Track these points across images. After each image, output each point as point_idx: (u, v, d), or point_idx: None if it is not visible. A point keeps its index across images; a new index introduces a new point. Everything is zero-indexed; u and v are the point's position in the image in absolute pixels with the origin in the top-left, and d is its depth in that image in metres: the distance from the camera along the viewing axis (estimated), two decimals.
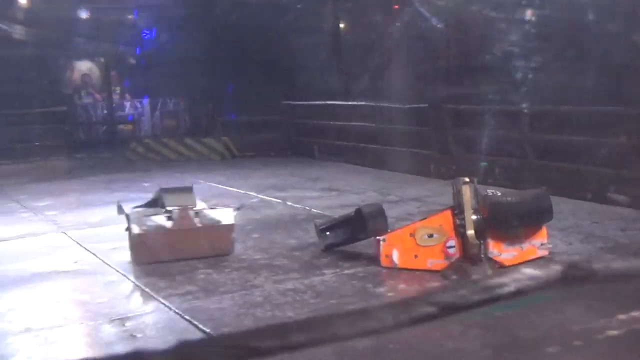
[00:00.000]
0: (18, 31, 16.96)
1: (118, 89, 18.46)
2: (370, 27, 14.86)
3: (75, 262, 7.32)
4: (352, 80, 14.58)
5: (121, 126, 18.69)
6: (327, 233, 7.10)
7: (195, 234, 7.01)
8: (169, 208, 6.97)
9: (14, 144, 17.13)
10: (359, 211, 6.70)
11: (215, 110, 18.34)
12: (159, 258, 6.84)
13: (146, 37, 18.14)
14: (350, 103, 14.24)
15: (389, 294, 5.94)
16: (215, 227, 7.12)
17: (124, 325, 5.39)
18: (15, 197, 11.61)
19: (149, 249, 6.83)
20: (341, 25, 16.19)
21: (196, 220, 7.04)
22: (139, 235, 6.85)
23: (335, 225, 7.14)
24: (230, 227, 7.20)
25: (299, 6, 15.82)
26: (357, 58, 14.55)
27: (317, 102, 15.18)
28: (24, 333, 5.35)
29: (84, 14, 17.07)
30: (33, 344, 5.15)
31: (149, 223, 6.86)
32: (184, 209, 7.02)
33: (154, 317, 5.56)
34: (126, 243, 7.77)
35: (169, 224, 6.90)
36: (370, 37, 14.66)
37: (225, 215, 7.19)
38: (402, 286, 6.14)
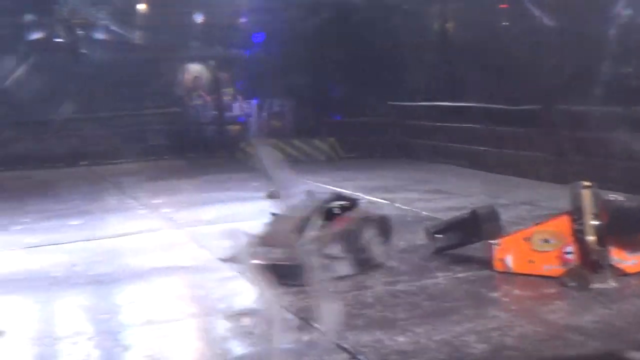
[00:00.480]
0: (136, 36, 17.66)
1: (229, 90, 18.90)
2: (479, 27, 14.59)
3: (191, 258, 7.56)
4: (461, 80, 14.37)
5: (230, 127, 19.12)
6: (439, 236, 7.03)
7: None
8: None
9: (130, 143, 17.84)
10: (474, 213, 6.60)
11: (321, 111, 18.48)
12: None
13: (255, 39, 18.49)
14: (458, 104, 14.03)
15: (504, 299, 5.83)
16: None
17: (239, 321, 5.52)
18: (133, 194, 12.11)
19: None
20: (449, 25, 15.98)
21: None
22: None
23: (447, 228, 7.06)
24: None
25: (405, 7, 15.71)
26: (466, 58, 14.31)
27: (424, 103, 15.05)
28: (145, 325, 5.57)
29: (198, 19, 17.58)
30: (153, 336, 5.36)
31: None
32: None
33: (269, 315, 5.64)
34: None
35: None
36: (479, 36, 14.39)
37: None
38: (516, 292, 6.00)
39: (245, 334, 5.26)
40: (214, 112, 18.99)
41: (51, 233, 9.24)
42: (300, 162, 15.67)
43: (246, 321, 5.53)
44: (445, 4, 15.50)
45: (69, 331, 5.52)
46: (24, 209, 11.07)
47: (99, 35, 17.35)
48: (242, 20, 18.14)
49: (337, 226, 6.69)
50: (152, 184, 13.47)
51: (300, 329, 5.27)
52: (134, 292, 6.49)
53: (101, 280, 6.87)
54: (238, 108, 18.98)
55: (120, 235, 8.82)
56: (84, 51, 17.28)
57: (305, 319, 5.42)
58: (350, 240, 6.57)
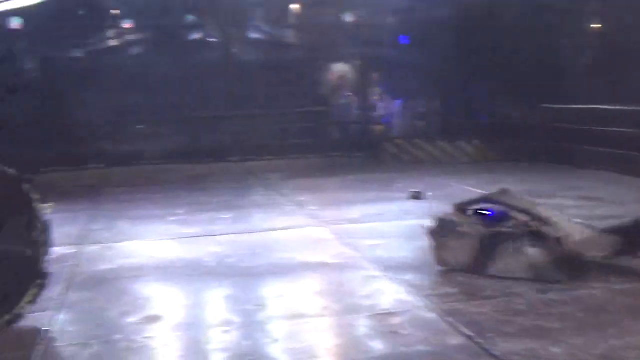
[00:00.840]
0: (288, 36, 18.11)
1: (376, 90, 18.96)
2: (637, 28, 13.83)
3: (338, 255, 7.64)
4: (620, 83, 13.63)
5: (374, 126, 19.17)
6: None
7: None
8: None
9: (276, 141, 18.33)
10: (637, 222, 6.25)
11: (467, 112, 18.16)
12: None
13: (402, 40, 18.44)
14: (617, 107, 13.34)
15: None
16: None
17: (387, 320, 5.52)
18: (280, 190, 12.41)
19: None
20: (603, 26, 15.26)
21: None
22: None
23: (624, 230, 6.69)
24: None
25: (559, 6, 15.13)
26: (625, 60, 13.58)
27: (578, 106, 14.41)
28: (292, 319, 5.69)
29: (347, 18, 17.77)
30: (300, 330, 5.46)
31: None
32: None
33: (414, 316, 5.62)
34: (382, 241, 8.01)
35: None
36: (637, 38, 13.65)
37: None
38: None
39: (391, 334, 5.25)
40: (358, 112, 19.10)
41: (204, 225, 9.65)
42: (444, 164, 15.48)
43: (392, 321, 5.52)
44: (604, 3, 14.79)
45: (220, 320, 5.74)
46: (178, 202, 11.61)
47: (252, 35, 17.94)
48: (390, 20, 18.11)
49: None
50: (298, 181, 13.75)
51: (447, 332, 5.21)
52: (282, 286, 6.65)
53: (251, 273, 7.08)
54: (382, 108, 18.99)
55: (268, 230, 9.07)
56: (235, 51, 17.94)
57: (453, 323, 5.34)
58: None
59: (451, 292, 6.13)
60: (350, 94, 19.16)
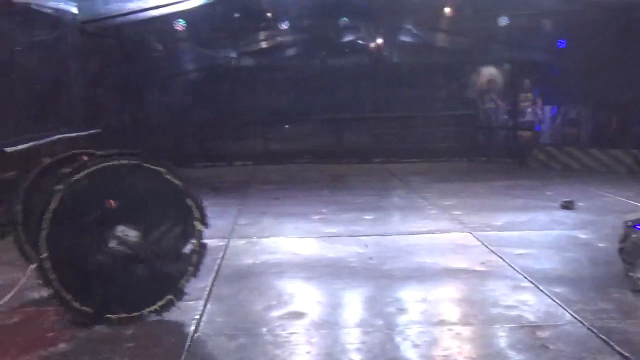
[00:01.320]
0: (438, 39, 17.95)
1: (525, 95, 18.39)
2: None
3: (483, 262, 7.44)
4: None
5: (520, 132, 18.61)
6: None
7: None
8: None
9: (420, 144, 18.19)
10: None
11: (625, 120, 17.20)
12: None
13: (560, 45, 17.75)
14: None
15: None
16: None
17: (534, 333, 5.31)
18: (423, 194, 12.27)
19: None
20: None
21: None
22: None
23: None
24: None
25: None
26: None
27: None
28: (438, 325, 5.59)
29: (503, 22, 17.32)
30: (443, 337, 5.35)
31: None
32: None
33: (566, 331, 5.37)
34: (530, 250, 7.74)
35: None
36: None
37: None
38: None
39: (540, 348, 5.04)
40: (506, 117, 18.61)
41: (348, 225, 9.71)
42: (597, 174, 14.73)
43: (539, 334, 5.30)
44: None
45: (360, 320, 5.74)
46: (322, 200, 11.76)
47: (403, 38, 17.91)
48: (545, 23, 17.48)
49: None
50: (441, 185, 13.55)
51: (600, 350, 4.94)
52: (424, 291, 6.54)
53: (394, 276, 7.04)
54: (531, 114, 18.39)
55: (412, 234, 8.98)
56: (385, 53, 17.99)
57: (607, 341, 5.06)
58: None
59: (606, 309, 5.80)
60: (498, 98, 18.71)
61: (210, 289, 6.59)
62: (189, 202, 5.81)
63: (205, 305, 6.12)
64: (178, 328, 5.63)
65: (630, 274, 6.38)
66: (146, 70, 17.08)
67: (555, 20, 17.43)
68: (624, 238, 6.57)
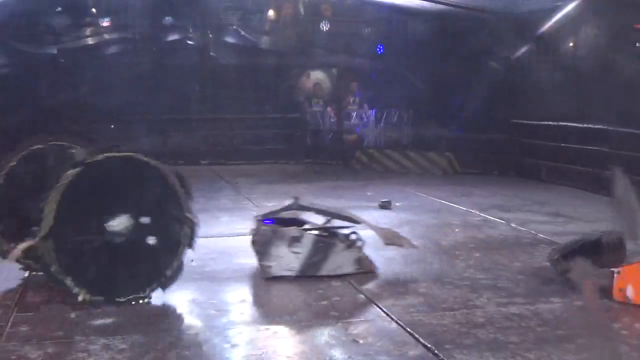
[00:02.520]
0: (263, 42, 18.11)
1: (349, 99, 19.00)
2: (609, 47, 14.04)
3: None
4: (587, 101, 13.79)
5: (346, 135, 19.22)
6: (564, 259, 6.76)
7: None
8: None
9: (248, 145, 18.30)
10: (600, 238, 6.34)
11: (441, 125, 18.27)
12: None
13: (378, 50, 18.51)
14: (584, 125, 13.53)
15: (623, 332, 5.53)
16: None
17: (346, 330, 5.52)
18: (249, 195, 12.36)
19: None
20: (575, 44, 15.45)
21: None
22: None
23: (573, 251, 6.78)
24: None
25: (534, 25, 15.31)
26: (594, 79, 13.75)
27: (547, 123, 14.58)
28: (251, 325, 5.68)
29: (324, 27, 17.78)
30: (260, 336, 5.44)
31: None
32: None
33: (376, 326, 5.62)
34: None
35: None
36: (610, 56, 13.84)
37: None
38: (637, 325, 5.69)
39: (352, 343, 5.24)
40: (332, 120, 19.13)
41: None
42: (415, 175, 15.54)
43: (353, 330, 5.51)
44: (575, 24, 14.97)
45: (181, 324, 5.70)
46: None
47: (229, 39, 17.90)
48: (366, 30, 18.18)
49: None
50: (268, 186, 13.71)
51: (407, 343, 5.22)
52: (244, 291, 6.61)
53: (214, 277, 7.05)
54: (356, 117, 19.04)
55: (235, 235, 9.00)
56: (212, 54, 17.89)
57: (413, 334, 5.36)
58: None
59: (414, 303, 6.14)
60: (325, 101, 19.19)
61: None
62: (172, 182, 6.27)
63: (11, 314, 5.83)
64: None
65: (261, 262, 6.96)
66: None
67: (376, 27, 18.16)
68: (256, 231, 7.17)
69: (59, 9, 17.14)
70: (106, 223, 6.02)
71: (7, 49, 16.51)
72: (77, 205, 5.96)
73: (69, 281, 5.93)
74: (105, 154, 6.11)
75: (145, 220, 6.15)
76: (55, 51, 16.99)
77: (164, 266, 6.21)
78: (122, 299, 6.05)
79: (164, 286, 6.20)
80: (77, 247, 5.97)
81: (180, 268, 6.28)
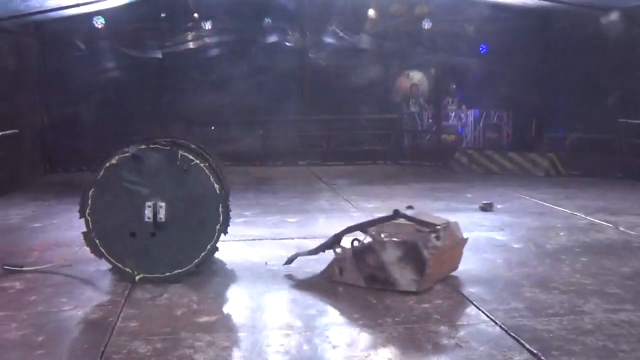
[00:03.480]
0: (363, 41, 18.12)
1: (452, 100, 18.80)
2: None
3: None
4: None
5: (444, 136, 19.02)
6: None
7: (452, 251, 6.87)
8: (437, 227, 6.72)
9: (345, 146, 18.38)
10: None
11: (542, 125, 17.81)
12: (432, 282, 6.60)
13: (482, 50, 18.20)
14: None
15: None
16: (460, 243, 7.07)
17: (448, 333, 5.45)
18: (347, 196, 12.41)
19: (431, 273, 6.46)
20: None
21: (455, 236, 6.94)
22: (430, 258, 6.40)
23: None
24: (465, 241, 7.15)
25: None
26: None
27: None
28: (353, 326, 5.67)
29: (425, 25, 17.62)
30: (363, 338, 5.44)
31: (431, 245, 6.44)
32: (448, 226, 6.87)
33: (480, 330, 5.53)
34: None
35: (439, 243, 6.55)
36: None
37: (459, 230, 7.14)
38: None
39: (454, 347, 5.18)
40: (430, 121, 18.96)
41: (270, 228, 9.73)
42: (516, 177, 15.20)
43: (454, 334, 5.44)
44: None
45: (281, 323, 5.77)
46: (246, 203, 11.72)
47: (327, 40, 18.01)
48: (470, 29, 17.90)
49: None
50: (365, 187, 13.73)
51: (512, 349, 5.11)
52: (343, 292, 6.61)
53: (314, 279, 7.09)
54: (455, 117, 18.81)
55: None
56: (311, 55, 18.05)
57: (518, 339, 5.24)
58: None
59: (518, 307, 6.01)
60: (423, 102, 19.05)
61: (129, 293, 6.52)
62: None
63: (121, 309, 6.06)
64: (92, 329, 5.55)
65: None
66: (66, 70, 16.70)
67: (479, 26, 17.86)
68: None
69: (163, 15, 17.69)
70: (145, 209, 6.75)
71: (117, 54, 17.20)
72: (116, 193, 6.81)
73: (121, 265, 6.84)
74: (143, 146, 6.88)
75: (181, 207, 6.83)
76: (160, 55, 17.57)
77: (199, 249, 6.92)
78: (167, 274, 6.85)
79: (199, 265, 6.96)
80: (118, 232, 6.81)
81: (212, 251, 6.99)
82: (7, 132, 12.61)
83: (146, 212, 6.73)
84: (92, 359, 5.02)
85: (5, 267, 7.39)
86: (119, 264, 6.85)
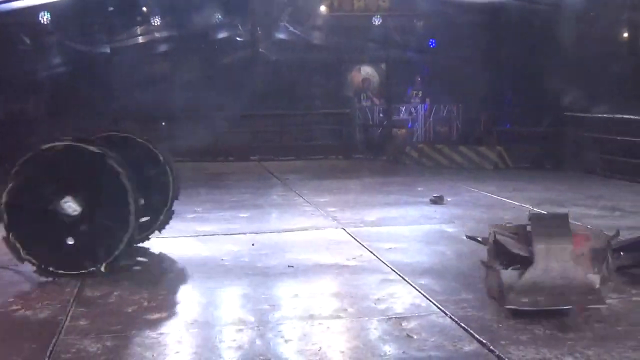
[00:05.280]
0: (315, 37, 18.14)
1: (416, 92, 18.94)
2: None
3: (354, 257, 7.61)
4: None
5: (395, 130, 19.15)
6: (621, 254, 6.61)
7: None
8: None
9: (298, 142, 18.37)
10: None
11: (490, 118, 18.06)
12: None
13: (431, 44, 18.36)
14: None
15: None
16: None
17: (400, 324, 5.49)
18: (299, 191, 12.40)
19: None
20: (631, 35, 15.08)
21: None
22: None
23: (632, 245, 6.63)
24: None
25: (591, 13, 14.97)
26: None
27: (603, 115, 14.27)
28: (305, 320, 5.67)
29: (375, 21, 17.73)
30: (313, 331, 5.44)
31: None
32: None
33: (429, 321, 5.58)
34: (400, 244, 7.99)
35: None
36: None
37: None
38: None
39: (406, 339, 5.22)
40: (381, 115, 19.07)
41: (222, 223, 9.67)
42: (466, 170, 15.40)
43: (405, 325, 5.48)
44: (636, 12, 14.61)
45: (234, 318, 5.74)
46: (198, 199, 11.62)
47: (279, 36, 17.98)
48: (418, 24, 18.05)
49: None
50: (318, 182, 13.74)
51: (462, 339, 5.18)
52: (296, 287, 6.62)
53: (267, 273, 7.08)
54: (405, 112, 18.96)
55: (286, 231, 9.06)
56: (262, 50, 18.00)
57: (468, 329, 5.31)
58: None
59: (467, 298, 6.08)
60: (374, 97, 19.14)
61: (78, 292, 6.42)
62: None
63: (70, 307, 5.95)
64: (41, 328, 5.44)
65: None
66: (11, 64, 16.31)
67: (427, 21, 18.03)
68: None
69: (111, 8, 17.43)
70: (59, 205, 6.75)
71: (65, 49, 16.87)
72: (31, 190, 6.81)
73: (37, 262, 6.78)
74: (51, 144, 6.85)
75: (93, 203, 6.86)
76: (108, 50, 17.30)
77: (114, 245, 6.89)
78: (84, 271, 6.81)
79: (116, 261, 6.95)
80: (34, 230, 6.79)
81: (130, 243, 7.02)
82: None
83: (60, 208, 6.73)
84: (39, 358, 4.92)
85: None
86: (42, 265, 6.78)
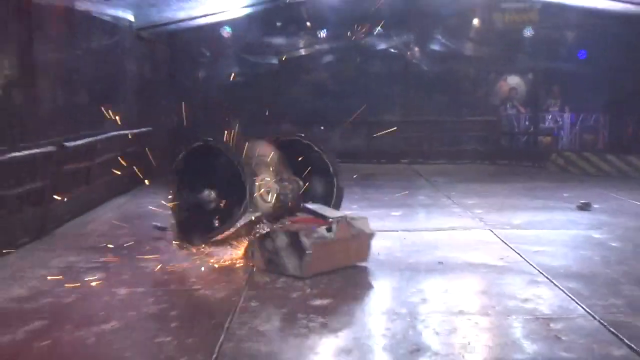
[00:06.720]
0: (467, 48, 17.89)
1: (555, 102, 18.24)
2: None
3: (501, 258, 7.42)
4: None
5: (541, 138, 18.47)
6: None
7: (347, 242, 6.94)
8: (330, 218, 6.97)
9: (446, 147, 18.15)
10: None
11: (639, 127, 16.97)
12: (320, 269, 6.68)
13: (580, 55, 17.54)
14: None
15: None
16: (363, 237, 7.08)
17: (547, 325, 5.30)
18: (447, 193, 12.25)
19: (315, 260, 6.59)
20: None
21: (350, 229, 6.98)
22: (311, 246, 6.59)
23: None
24: (371, 236, 7.16)
25: None
26: None
27: None
28: (458, 315, 5.60)
29: (526, 32, 17.25)
30: (465, 325, 5.35)
31: (315, 235, 6.67)
32: (342, 219, 6.97)
33: (578, 324, 5.34)
34: (547, 247, 7.72)
35: (330, 234, 6.75)
36: None
37: (365, 224, 7.18)
38: None
39: (553, 339, 5.03)
40: (527, 123, 18.47)
41: (376, 221, 9.65)
42: (613, 178, 14.55)
43: (553, 326, 5.28)
44: None
45: (387, 309, 5.78)
46: (354, 197, 11.73)
47: (432, 47, 17.92)
48: (567, 34, 17.32)
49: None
50: (464, 185, 13.49)
51: (611, 343, 4.92)
52: (446, 283, 6.55)
53: (417, 268, 7.04)
54: (551, 120, 18.23)
55: (436, 230, 8.98)
56: (415, 61, 17.97)
57: (617, 334, 5.04)
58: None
59: (616, 304, 5.77)
60: (520, 105, 18.58)
61: (249, 278, 6.69)
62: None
63: (243, 290, 6.23)
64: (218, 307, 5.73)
65: None
66: (194, 74, 17.31)
67: (576, 31, 17.28)
68: None
69: (279, 24, 18.05)
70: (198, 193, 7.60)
71: (240, 61, 17.71)
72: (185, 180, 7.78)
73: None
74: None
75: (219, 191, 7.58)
76: (275, 61, 17.92)
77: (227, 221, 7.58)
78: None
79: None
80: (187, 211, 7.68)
81: (235, 221, 7.55)
82: (142, 129, 13.13)
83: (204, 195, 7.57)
84: (218, 332, 5.19)
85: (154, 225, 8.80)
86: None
